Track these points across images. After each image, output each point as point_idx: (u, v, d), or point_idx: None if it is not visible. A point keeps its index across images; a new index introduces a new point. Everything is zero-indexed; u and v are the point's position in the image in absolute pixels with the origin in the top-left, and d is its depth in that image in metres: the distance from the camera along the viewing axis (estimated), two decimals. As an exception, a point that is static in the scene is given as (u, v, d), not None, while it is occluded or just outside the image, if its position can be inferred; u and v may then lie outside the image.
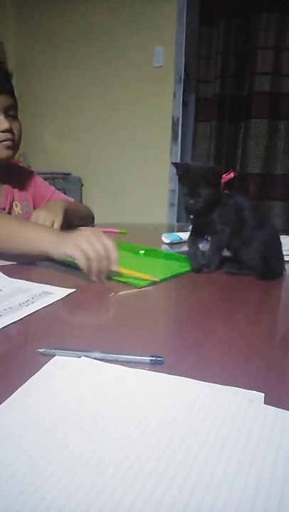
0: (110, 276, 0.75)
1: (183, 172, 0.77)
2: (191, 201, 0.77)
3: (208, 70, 2.95)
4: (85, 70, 3.22)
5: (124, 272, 0.75)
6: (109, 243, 0.73)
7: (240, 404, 0.38)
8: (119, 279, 0.76)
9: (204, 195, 0.76)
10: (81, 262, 0.71)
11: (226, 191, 0.80)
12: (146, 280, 0.74)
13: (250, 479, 0.29)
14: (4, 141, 1.08)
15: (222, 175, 0.79)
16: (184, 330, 0.58)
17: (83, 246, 0.71)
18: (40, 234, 0.80)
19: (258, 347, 0.52)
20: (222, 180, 0.79)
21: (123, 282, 0.75)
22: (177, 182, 0.81)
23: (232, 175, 0.79)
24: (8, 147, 1.10)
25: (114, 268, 0.73)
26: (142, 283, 0.74)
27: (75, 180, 3.32)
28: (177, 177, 0.80)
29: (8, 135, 1.08)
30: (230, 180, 0.79)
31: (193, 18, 2.83)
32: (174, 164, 0.79)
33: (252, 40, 2.71)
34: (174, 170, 0.81)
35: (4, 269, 0.79)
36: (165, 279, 0.78)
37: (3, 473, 0.29)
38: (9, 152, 1.11)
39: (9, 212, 1.19)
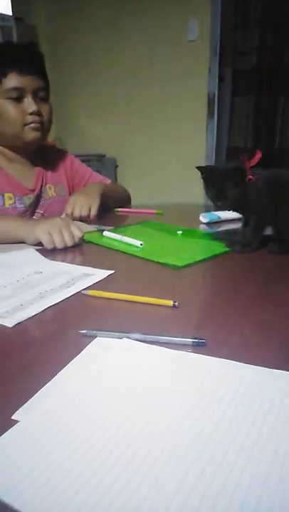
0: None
1: (208, 175, 0.77)
2: (219, 203, 0.77)
3: (245, 42, 2.83)
4: (118, 48, 3.17)
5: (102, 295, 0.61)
6: (77, 233, 0.85)
7: (288, 386, 0.37)
8: (157, 259, 0.75)
9: (231, 196, 0.75)
10: (46, 245, 0.82)
11: (255, 176, 0.76)
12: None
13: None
14: (32, 123, 1.07)
15: (246, 172, 0.76)
16: (225, 311, 0.56)
17: (53, 233, 0.82)
18: (13, 224, 0.91)
19: (304, 329, 0.50)
20: (250, 165, 0.76)
21: (161, 263, 0.74)
22: (203, 185, 0.79)
23: (259, 155, 0.76)
24: (35, 129, 1.08)
25: (77, 242, 0.85)
26: (180, 263, 0.73)
27: (109, 161, 3.32)
28: (202, 180, 0.78)
29: (35, 117, 1.06)
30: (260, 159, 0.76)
31: (229, -14, 2.70)
32: (199, 168, 0.77)
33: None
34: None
35: (43, 251, 0.80)
36: (201, 261, 0.76)
37: (50, 453, 0.29)
38: (36, 134, 1.09)
39: (39, 195, 1.20)
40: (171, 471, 0.28)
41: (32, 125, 1.07)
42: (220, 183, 0.76)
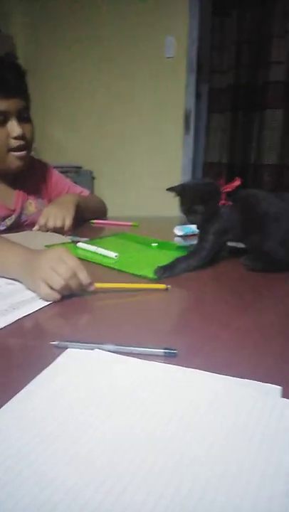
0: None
1: (179, 194, 0.79)
2: (190, 218, 0.80)
3: (222, 60, 2.91)
4: (95, 61, 3.20)
5: (106, 286, 0.67)
6: (72, 262, 0.62)
7: (256, 397, 0.37)
8: (131, 271, 0.75)
9: (201, 212, 0.78)
10: (50, 299, 0.61)
11: (229, 202, 0.78)
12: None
13: (267, 473, 0.29)
14: (16, 148, 1.05)
15: (219, 190, 0.78)
16: (198, 322, 0.57)
17: (49, 280, 0.61)
18: (6, 259, 0.69)
19: (275, 339, 0.51)
20: (225, 189, 0.78)
21: (136, 275, 0.74)
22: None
23: (238, 183, 0.78)
24: (19, 158, 1.07)
25: (90, 289, 0.64)
26: (154, 276, 0.73)
27: (86, 173, 3.31)
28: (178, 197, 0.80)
29: (20, 142, 1.05)
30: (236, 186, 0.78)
31: (206, 7, 2.78)
32: (169, 189, 0.79)
33: (266, 29, 2.66)
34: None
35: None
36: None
37: (17, 464, 0.29)
38: (21, 162, 1.08)
39: (21, 213, 1.18)
40: (140, 481, 0.28)
41: (16, 153, 1.06)
42: (190, 199, 0.78)
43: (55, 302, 0.61)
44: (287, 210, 0.78)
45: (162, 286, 0.68)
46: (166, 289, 0.67)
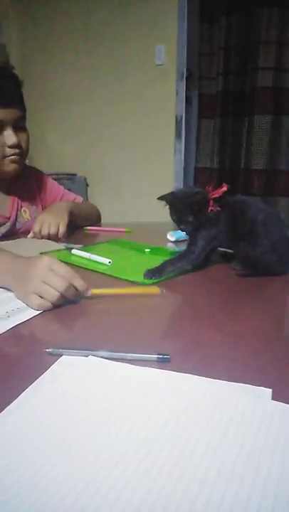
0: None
1: (169, 203, 0.80)
2: (182, 227, 0.81)
3: (211, 67, 2.94)
4: (87, 69, 3.23)
5: (101, 292, 0.67)
6: (65, 272, 0.61)
7: (248, 400, 0.38)
8: (125, 277, 0.76)
9: (192, 220, 0.79)
10: (42, 308, 0.60)
11: (217, 208, 0.79)
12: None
13: (259, 475, 0.29)
14: (12, 155, 1.07)
15: (208, 198, 0.79)
16: (190, 327, 0.58)
17: (43, 294, 0.60)
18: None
19: (266, 343, 0.52)
20: (213, 195, 0.79)
21: (129, 281, 0.75)
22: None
23: (224, 189, 0.79)
24: (14, 161, 1.08)
25: (87, 294, 0.64)
26: (148, 281, 0.74)
27: (80, 180, 3.33)
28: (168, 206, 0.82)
29: (15, 150, 1.06)
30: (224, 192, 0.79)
31: (194, 15, 2.82)
32: (160, 198, 0.80)
33: (253, 36, 2.70)
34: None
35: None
36: (168, 278, 0.78)
37: (12, 472, 0.29)
38: (15, 166, 1.09)
39: (15, 220, 1.19)
40: (136, 485, 0.28)
41: (12, 157, 1.07)
42: (181, 208, 0.79)
43: (46, 311, 0.61)
44: (273, 215, 0.80)
45: (156, 290, 0.69)
46: (160, 293, 0.69)
